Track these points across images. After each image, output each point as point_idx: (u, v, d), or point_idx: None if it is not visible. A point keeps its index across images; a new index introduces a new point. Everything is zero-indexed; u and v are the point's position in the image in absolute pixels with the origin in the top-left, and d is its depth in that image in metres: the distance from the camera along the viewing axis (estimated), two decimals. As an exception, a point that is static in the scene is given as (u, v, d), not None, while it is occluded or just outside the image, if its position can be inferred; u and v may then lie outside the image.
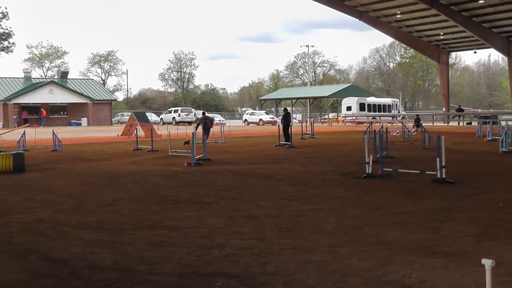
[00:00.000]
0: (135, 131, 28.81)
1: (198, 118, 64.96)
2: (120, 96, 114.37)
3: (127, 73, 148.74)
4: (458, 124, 59.84)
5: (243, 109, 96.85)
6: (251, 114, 72.93)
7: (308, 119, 61.37)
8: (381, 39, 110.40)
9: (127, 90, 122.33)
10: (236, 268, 6.33)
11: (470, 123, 57.95)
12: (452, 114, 63.63)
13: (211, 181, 13.95)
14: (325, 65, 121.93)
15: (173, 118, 63.72)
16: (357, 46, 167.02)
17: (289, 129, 27.32)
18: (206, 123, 28.67)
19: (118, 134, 37.98)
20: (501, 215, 9.10)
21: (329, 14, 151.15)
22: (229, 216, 9.31)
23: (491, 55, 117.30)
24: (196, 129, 26.00)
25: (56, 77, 77.99)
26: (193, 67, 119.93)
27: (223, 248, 7.18)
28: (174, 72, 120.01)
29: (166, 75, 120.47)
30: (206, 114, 32.60)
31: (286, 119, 28.94)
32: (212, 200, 11.00)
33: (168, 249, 7.19)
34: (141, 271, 6.27)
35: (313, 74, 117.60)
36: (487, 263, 3.76)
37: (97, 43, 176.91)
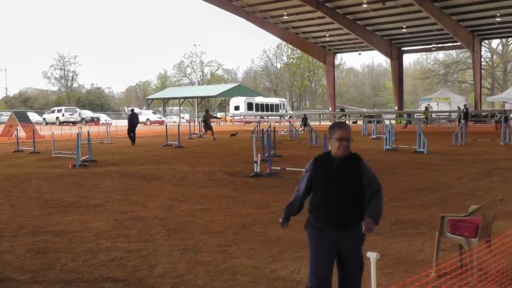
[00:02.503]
0: (16, 131, 27.64)
1: (83, 118, 63.61)
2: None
3: (5, 71, 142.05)
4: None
5: (130, 108, 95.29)
6: (138, 113, 71.83)
7: (196, 118, 61.27)
8: (268, 40, 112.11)
9: (6, 89, 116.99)
10: (123, 272, 6.18)
11: (355, 122, 60.04)
12: (338, 113, 65.64)
13: (97, 183, 13.58)
14: (213, 64, 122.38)
15: (57, 118, 61.59)
16: (245, 46, 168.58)
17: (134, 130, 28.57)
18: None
19: (-3, 136, 36.22)
20: (385, 210, 9.34)
21: (217, 13, 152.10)
22: (116, 218, 9.09)
23: (375, 57, 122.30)
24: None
25: None
26: (77, 65, 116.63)
27: (110, 252, 6.99)
28: (57, 70, 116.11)
29: (49, 73, 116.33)
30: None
31: (132, 119, 29.37)
32: (97, 203, 10.70)
33: (51, 256, 6.90)
34: (22, 280, 5.97)
35: (201, 73, 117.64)
36: (372, 256, 3.85)
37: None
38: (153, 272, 6.16)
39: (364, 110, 74.13)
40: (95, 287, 5.72)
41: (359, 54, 67.03)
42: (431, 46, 61.94)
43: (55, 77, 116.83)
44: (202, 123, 35.14)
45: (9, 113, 47.39)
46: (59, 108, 68.09)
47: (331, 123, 5.74)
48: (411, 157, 19.13)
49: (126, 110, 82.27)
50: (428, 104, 60.87)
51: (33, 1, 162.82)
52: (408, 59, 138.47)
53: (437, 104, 61.25)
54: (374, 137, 29.87)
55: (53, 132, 23.72)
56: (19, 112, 43.32)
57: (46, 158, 20.45)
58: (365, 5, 49.39)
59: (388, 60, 66.93)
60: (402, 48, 63.64)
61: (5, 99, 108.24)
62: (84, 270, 6.26)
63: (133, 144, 27.38)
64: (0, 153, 23.69)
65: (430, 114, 51.13)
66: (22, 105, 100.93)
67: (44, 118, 65.24)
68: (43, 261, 6.65)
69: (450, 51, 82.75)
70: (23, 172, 16.04)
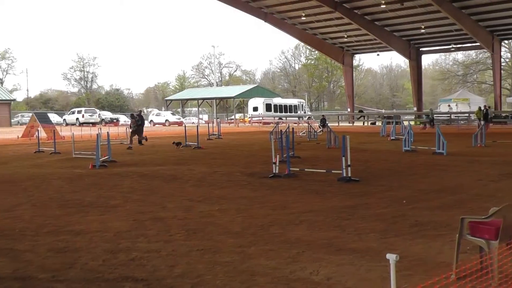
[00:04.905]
0: (37, 132, 27.88)
1: (102, 119, 63.98)
2: (19, 96, 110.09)
3: (26, 72, 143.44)
4: (363, 124, 61.64)
5: (149, 109, 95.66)
6: (157, 115, 72.17)
7: (214, 119, 61.37)
8: (286, 41, 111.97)
9: (27, 90, 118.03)
10: (143, 271, 6.21)
11: (374, 123, 59.82)
12: (356, 115, 65.44)
13: (117, 183, 13.66)
14: (231, 65, 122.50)
15: (77, 119, 62.08)
16: (263, 47, 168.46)
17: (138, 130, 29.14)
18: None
19: (18, 136, 36.56)
20: (404, 212, 9.39)
21: (235, 14, 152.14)
22: (135, 219, 9.14)
23: (393, 58, 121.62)
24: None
25: None
26: (96, 66, 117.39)
27: (130, 252, 7.03)
28: (77, 72, 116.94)
29: (69, 75, 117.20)
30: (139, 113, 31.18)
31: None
32: (117, 203, 10.76)
33: (72, 255, 6.96)
34: (43, 279, 6.02)
35: (219, 74, 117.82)
36: (392, 257, 3.85)
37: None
38: (173, 272, 6.18)
39: (383, 111, 73.76)
40: (115, 287, 5.75)
41: (378, 55, 66.75)
42: (450, 46, 61.41)
43: (75, 79, 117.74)
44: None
45: (30, 114, 47.84)
46: (79, 109, 68.60)
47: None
48: (430, 158, 19.01)
49: (145, 111, 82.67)
50: (449, 105, 60.53)
51: (53, 3, 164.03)
52: (427, 60, 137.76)
53: (456, 105, 60.81)
54: (393, 138, 29.72)
55: (73, 133, 23.91)
56: (40, 113, 43.67)
57: (66, 158, 20.62)
58: (383, 6, 49.15)
59: (407, 60, 66.61)
60: (421, 49, 63.19)
61: (26, 100, 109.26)
62: (104, 270, 6.30)
63: (140, 144, 28.35)
64: (22, 153, 23.93)
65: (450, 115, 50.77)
66: (42, 106, 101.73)
67: (64, 119, 65.74)
68: (63, 260, 6.71)
69: (469, 51, 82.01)
70: (44, 172, 16.20)
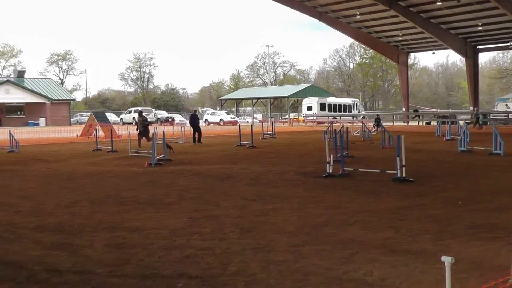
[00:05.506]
0: (95, 131, 28.47)
1: (158, 118, 64.98)
2: (79, 96, 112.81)
3: (86, 73, 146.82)
4: (418, 123, 60.72)
5: (204, 109, 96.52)
6: (212, 114, 72.76)
7: (269, 119, 61.50)
8: (340, 40, 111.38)
9: (86, 90, 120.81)
10: (197, 269, 6.28)
11: (429, 123, 58.88)
12: (411, 114, 64.55)
13: (172, 181, 13.85)
14: (286, 65, 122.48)
15: (133, 118, 63.08)
16: (317, 46, 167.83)
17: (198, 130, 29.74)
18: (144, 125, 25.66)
19: (77, 135, 37.44)
20: (460, 213, 9.23)
21: (288, 14, 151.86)
22: (190, 216, 9.25)
23: (449, 56, 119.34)
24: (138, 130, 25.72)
25: (12, 76, 76.51)
26: (152, 66, 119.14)
27: (184, 249, 7.13)
28: (133, 72, 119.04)
29: (126, 75, 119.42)
30: (144, 114, 27.54)
31: (195, 120, 30.68)
32: (172, 201, 10.92)
33: (128, 251, 7.10)
34: (100, 273, 6.17)
35: (274, 74, 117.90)
36: (447, 260, 3.80)
37: (54, 43, 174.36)
38: (226, 270, 6.23)
39: (438, 110, 72.47)
40: (170, 283, 5.83)
41: (433, 53, 65.67)
42: (508, 44, 59.87)
43: (132, 79, 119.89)
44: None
45: (89, 113, 48.96)
46: (135, 108, 69.76)
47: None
48: (486, 159, 18.58)
49: (200, 110, 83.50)
50: (506, 104, 59.04)
51: (111, 4, 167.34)
52: (484, 58, 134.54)
53: (514, 104, 59.32)
54: (449, 138, 29.18)
55: (129, 132, 24.33)
56: (98, 113, 44.71)
57: (123, 157, 21.02)
58: (439, 3, 48.33)
59: (463, 59, 65.29)
60: (478, 47, 61.81)
61: (85, 100, 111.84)
62: (160, 266, 6.41)
63: (194, 143, 28.82)
64: (80, 151, 24.51)
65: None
66: (100, 105, 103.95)
67: (121, 118, 67.01)
68: (120, 256, 6.86)
69: (529, 49, 79.82)
70: (101, 170, 16.55)
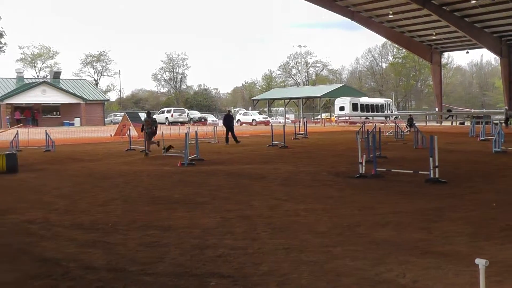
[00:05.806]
0: (128, 131, 28.76)
1: (191, 118, 65.38)
2: (112, 96, 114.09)
3: (119, 74, 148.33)
4: (451, 124, 60.02)
5: (236, 109, 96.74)
6: (244, 114, 72.89)
7: (301, 119, 61.38)
8: (373, 39, 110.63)
9: (120, 90, 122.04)
10: (229, 268, 6.32)
11: (463, 123, 58.15)
12: (444, 114, 63.84)
13: (204, 181, 13.93)
14: (318, 65, 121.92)
15: (166, 118, 63.57)
16: (349, 46, 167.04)
17: (231, 130, 29.65)
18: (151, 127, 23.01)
19: (111, 135, 37.90)
20: (494, 215, 9.11)
21: (320, 13, 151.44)
22: (222, 216, 9.30)
23: (484, 55, 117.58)
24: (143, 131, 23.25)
25: (48, 77, 77.66)
26: (185, 67, 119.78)
27: (217, 248, 7.17)
28: (166, 72, 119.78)
29: (159, 75, 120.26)
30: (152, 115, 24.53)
31: (228, 120, 30.56)
32: (204, 200, 10.98)
33: (161, 250, 7.17)
34: (133, 271, 6.25)
35: (306, 74, 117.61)
36: (481, 262, 3.77)
37: (89, 44, 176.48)
38: (258, 269, 6.25)
39: (472, 110, 71.49)
40: (202, 282, 5.87)
41: (467, 52, 64.91)
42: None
43: (165, 79, 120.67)
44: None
45: (122, 113, 49.47)
46: (168, 108, 70.19)
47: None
48: (523, 160, 18.32)
49: (232, 110, 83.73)
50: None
51: (144, 4, 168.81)
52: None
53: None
54: (483, 138, 28.78)
55: (162, 132, 24.55)
56: (131, 113, 45.07)
57: (156, 156, 21.20)
58: (473, 1, 47.74)
59: (498, 58, 64.35)
60: (513, 46, 60.96)
61: (119, 100, 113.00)
62: (192, 265, 6.45)
63: (227, 143, 28.68)
64: (114, 151, 24.79)
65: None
66: (134, 106, 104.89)
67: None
68: (153, 254, 6.93)
69: None
70: (135, 170, 16.73)
